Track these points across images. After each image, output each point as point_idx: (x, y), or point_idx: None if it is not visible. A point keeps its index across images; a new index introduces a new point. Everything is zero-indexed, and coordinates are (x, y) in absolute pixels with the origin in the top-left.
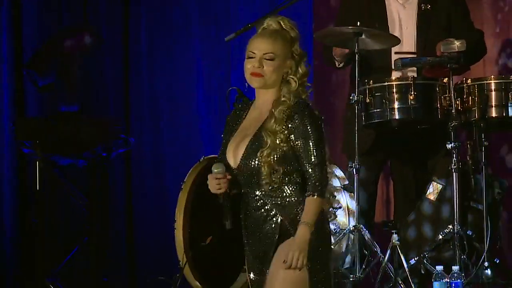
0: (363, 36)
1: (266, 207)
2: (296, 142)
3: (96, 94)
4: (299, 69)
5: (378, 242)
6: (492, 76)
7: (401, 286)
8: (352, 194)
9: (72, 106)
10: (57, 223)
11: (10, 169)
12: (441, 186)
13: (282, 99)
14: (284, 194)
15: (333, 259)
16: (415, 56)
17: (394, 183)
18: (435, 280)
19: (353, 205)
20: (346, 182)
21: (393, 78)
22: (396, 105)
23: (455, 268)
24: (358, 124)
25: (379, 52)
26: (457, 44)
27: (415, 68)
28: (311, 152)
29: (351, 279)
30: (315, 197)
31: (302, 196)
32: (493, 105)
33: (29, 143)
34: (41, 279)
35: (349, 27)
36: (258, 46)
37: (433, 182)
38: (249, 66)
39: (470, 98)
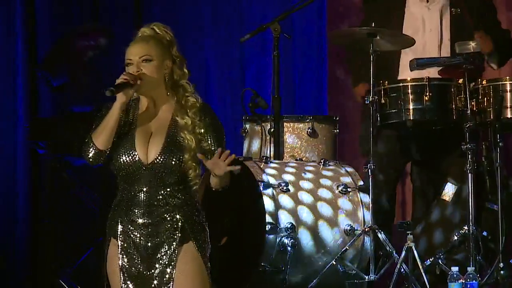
0: (378, 37)
1: (167, 207)
2: (205, 144)
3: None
4: (185, 71)
5: (393, 243)
6: (507, 77)
7: (416, 287)
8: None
9: (85, 107)
10: (69, 223)
11: (24, 169)
12: (456, 187)
13: (189, 103)
14: (186, 195)
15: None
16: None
17: (412, 184)
18: (451, 281)
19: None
20: (361, 183)
21: (408, 78)
22: (411, 105)
23: (470, 269)
24: (373, 125)
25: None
26: (472, 45)
27: (437, 69)
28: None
29: (366, 279)
30: None
31: (196, 197)
32: (508, 106)
33: (43, 143)
34: (52, 278)
35: (363, 27)
36: (133, 52)
37: (448, 183)
38: None
39: (485, 99)
